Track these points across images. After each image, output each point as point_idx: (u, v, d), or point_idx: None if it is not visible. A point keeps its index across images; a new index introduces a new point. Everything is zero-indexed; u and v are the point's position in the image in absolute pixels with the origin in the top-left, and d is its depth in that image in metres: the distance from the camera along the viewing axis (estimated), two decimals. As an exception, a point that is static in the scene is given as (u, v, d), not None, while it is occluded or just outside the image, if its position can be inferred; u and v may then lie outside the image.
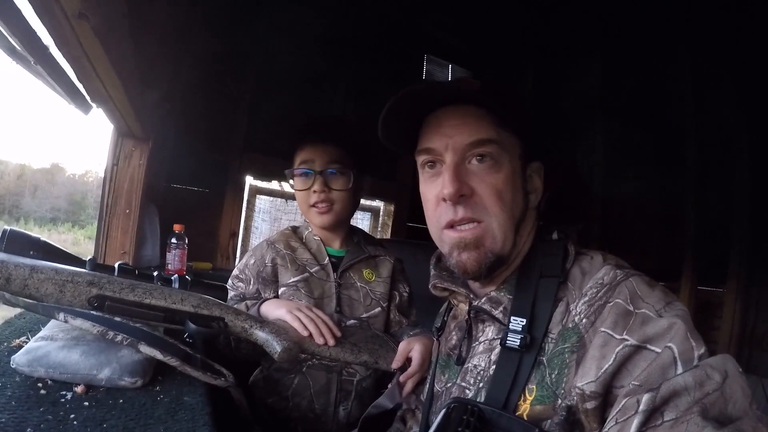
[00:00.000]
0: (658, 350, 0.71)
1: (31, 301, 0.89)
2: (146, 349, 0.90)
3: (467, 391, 0.95)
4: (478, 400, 0.90)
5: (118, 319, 0.97)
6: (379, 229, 3.73)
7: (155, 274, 1.08)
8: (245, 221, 3.23)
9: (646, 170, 3.20)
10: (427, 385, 1.13)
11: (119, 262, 1.06)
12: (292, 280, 1.47)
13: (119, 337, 0.89)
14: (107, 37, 1.08)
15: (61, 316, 0.88)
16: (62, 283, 0.92)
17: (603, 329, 0.77)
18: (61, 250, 1.01)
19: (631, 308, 0.77)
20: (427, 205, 1.01)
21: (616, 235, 3.31)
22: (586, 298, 0.83)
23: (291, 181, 1.54)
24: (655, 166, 3.16)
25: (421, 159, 1.00)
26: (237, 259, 3.06)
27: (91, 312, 0.95)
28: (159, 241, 2.49)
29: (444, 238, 0.98)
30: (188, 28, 2.75)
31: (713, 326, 2.89)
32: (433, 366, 1.13)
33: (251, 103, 3.16)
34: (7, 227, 0.95)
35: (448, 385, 1.02)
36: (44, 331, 0.96)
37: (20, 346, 0.96)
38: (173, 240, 2.29)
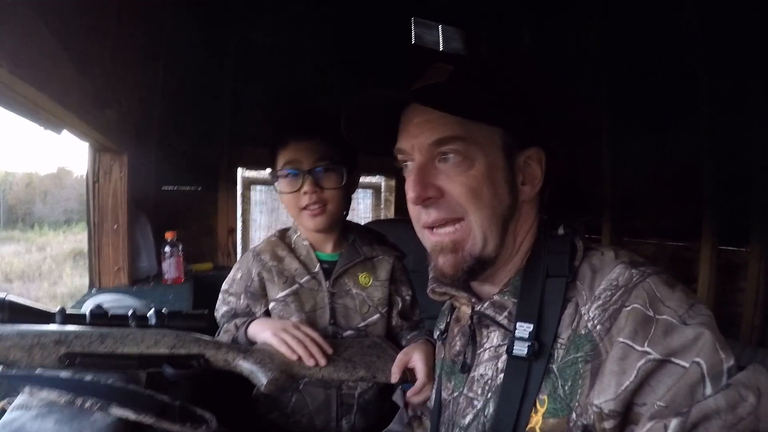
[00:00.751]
0: (685, 365, 0.65)
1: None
2: (117, 411, 0.87)
3: (475, 402, 0.91)
4: (486, 411, 0.87)
5: (88, 378, 0.95)
6: (382, 206, 3.67)
7: (130, 313, 1.04)
8: (242, 215, 3.23)
9: (657, 125, 2.99)
10: (434, 394, 1.10)
11: (90, 308, 1.03)
12: (281, 294, 1.41)
13: (88, 403, 0.86)
14: (36, 77, 1.04)
15: (27, 389, 0.86)
16: (29, 348, 0.89)
17: (621, 339, 0.71)
18: (28, 307, 0.98)
19: (651, 314, 0.71)
20: (408, 204, 0.96)
21: (629, 196, 3.16)
22: (600, 302, 0.77)
23: (276, 184, 1.42)
24: (667, 119, 2.95)
25: (399, 158, 0.95)
26: (238, 256, 3.04)
27: (59, 375, 0.93)
28: (154, 250, 2.48)
29: (425, 239, 0.94)
30: (157, 29, 2.71)
31: (737, 288, 2.72)
32: (437, 372, 1.10)
33: (233, 94, 3.11)
34: (-30, 295, 0.93)
35: (455, 394, 0.98)
36: (19, 398, 0.93)
37: (3, 410, 0.93)
38: (166, 248, 2.30)
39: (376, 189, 3.68)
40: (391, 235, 1.59)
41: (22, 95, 1.08)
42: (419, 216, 0.91)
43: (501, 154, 0.88)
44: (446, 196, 0.87)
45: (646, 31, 3.03)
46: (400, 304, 1.49)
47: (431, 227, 0.90)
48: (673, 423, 0.60)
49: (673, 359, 0.66)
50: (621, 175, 3.19)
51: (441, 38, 3.96)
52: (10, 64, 0.89)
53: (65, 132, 1.51)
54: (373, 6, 3.50)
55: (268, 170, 1.46)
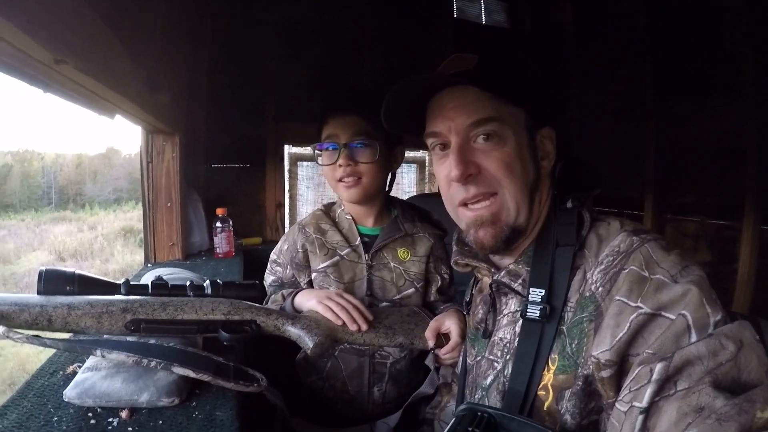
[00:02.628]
0: (672, 317, 0.71)
1: (67, 343, 0.97)
2: (179, 370, 0.96)
3: (495, 364, 0.98)
4: (506, 372, 0.94)
5: (152, 341, 1.04)
6: (426, 180, 3.69)
7: (188, 284, 1.13)
8: (290, 190, 3.28)
9: (702, 101, 2.88)
10: (460, 359, 1.17)
11: (152, 279, 1.12)
12: (322, 266, 1.47)
13: (153, 363, 0.95)
14: (96, 69, 1.12)
15: (98, 352, 0.95)
16: (98, 315, 0.99)
17: (618, 297, 0.78)
18: (96, 279, 1.06)
19: (646, 274, 0.77)
20: (441, 184, 1.03)
21: (672, 173, 3.09)
22: (602, 266, 0.84)
23: (319, 158, 1.49)
24: (712, 96, 2.84)
25: (429, 142, 1.02)
26: (286, 230, 3.12)
27: (126, 339, 1.03)
28: (206, 226, 2.58)
29: (460, 216, 1.00)
30: (202, 12, 2.79)
31: (780, 268, 2.65)
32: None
33: (277, 72, 3.15)
34: (43, 268, 1.01)
35: (478, 358, 1.05)
36: (89, 361, 1.03)
37: (74, 373, 1.04)
38: (218, 224, 2.38)
39: (420, 164, 3.70)
40: (434, 209, 1.61)
41: (83, 86, 1.16)
42: (455, 194, 0.98)
43: (525, 133, 0.96)
44: (483, 172, 0.94)
45: (691, 5, 2.92)
46: (440, 282, 1.54)
47: (466, 204, 0.97)
48: (658, 367, 0.66)
49: (663, 312, 0.72)
50: (665, 152, 3.12)
51: (483, 11, 3.91)
52: (74, 59, 0.97)
53: (118, 116, 1.59)
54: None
55: (312, 145, 1.52)
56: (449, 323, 1.27)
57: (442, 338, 1.27)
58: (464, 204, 0.97)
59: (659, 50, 3.13)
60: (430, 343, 1.26)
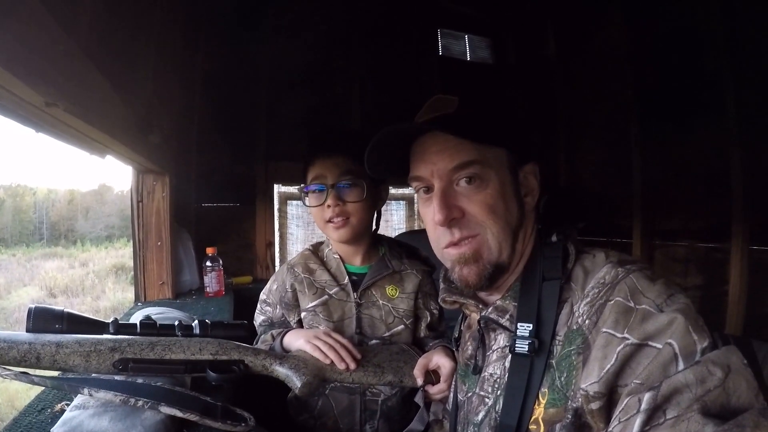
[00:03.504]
0: (659, 346, 0.71)
1: (55, 381, 0.97)
2: (166, 409, 0.96)
3: (486, 400, 0.98)
4: (497, 407, 0.94)
5: (140, 380, 1.05)
6: (416, 217, 3.72)
7: (176, 323, 1.14)
8: (279, 229, 3.30)
9: (684, 125, 2.94)
10: (451, 396, 1.18)
11: (140, 318, 1.12)
12: (311, 305, 1.48)
13: (140, 402, 0.95)
14: (86, 112, 1.14)
15: (86, 390, 0.95)
16: (87, 354, 0.99)
17: (605, 329, 0.78)
18: (84, 317, 1.07)
19: (632, 304, 0.78)
20: (427, 227, 1.06)
21: (658, 198, 3.13)
22: (588, 299, 0.85)
23: (306, 199, 1.50)
24: (694, 119, 2.89)
25: (414, 185, 1.04)
26: (276, 269, 3.13)
27: (114, 378, 1.03)
28: (196, 265, 2.59)
29: (445, 256, 1.02)
30: (193, 54, 2.85)
31: (771, 288, 2.66)
32: (454, 376, 1.18)
33: (267, 111, 3.21)
34: (32, 305, 1.02)
35: (469, 394, 1.05)
36: (77, 400, 1.03)
37: (62, 411, 1.04)
38: (207, 263, 2.39)
39: (409, 201, 3.73)
40: (424, 245, 1.58)
41: (73, 128, 1.19)
42: (441, 238, 1.00)
43: (507, 172, 0.98)
44: (467, 215, 0.96)
45: (671, 31, 3.01)
46: (429, 318, 1.55)
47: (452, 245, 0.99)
48: (646, 396, 0.66)
49: (650, 342, 0.73)
50: (650, 177, 3.16)
51: (468, 48, 4.01)
52: (64, 102, 0.99)
53: (109, 156, 1.61)
54: (399, 22, 3.63)
55: (299, 187, 1.54)
56: (437, 359, 1.27)
57: (431, 375, 1.27)
58: (450, 245, 0.99)
59: (641, 78, 3.21)
60: (419, 381, 1.26)
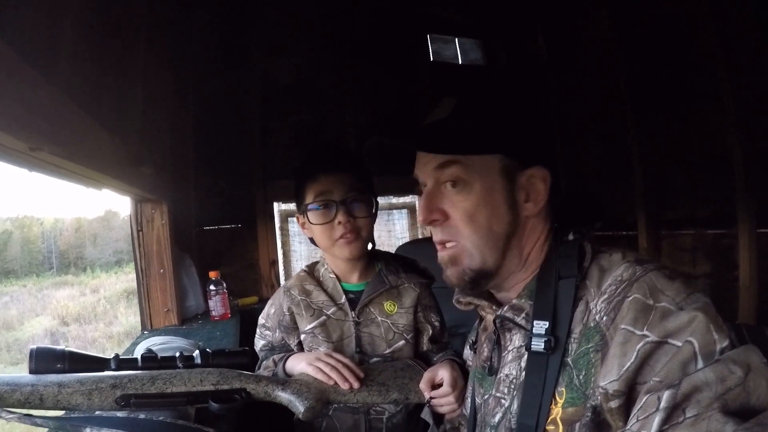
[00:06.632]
0: (679, 344, 0.70)
1: (58, 421, 0.98)
2: (168, 446, 0.97)
3: (503, 401, 0.98)
4: (513, 408, 0.94)
5: (142, 415, 1.05)
6: (419, 226, 3.72)
7: (177, 355, 1.15)
8: (282, 247, 3.32)
9: (681, 113, 2.92)
10: (468, 400, 1.17)
11: (142, 353, 1.13)
12: (309, 326, 1.47)
13: (143, 440, 0.96)
14: (73, 153, 1.16)
15: (88, 430, 0.96)
16: (89, 392, 1.00)
17: (623, 326, 0.77)
18: (85, 355, 1.08)
19: (651, 302, 0.77)
20: None
21: (661, 188, 3.11)
22: (605, 296, 0.84)
23: (303, 219, 1.47)
24: (690, 106, 2.87)
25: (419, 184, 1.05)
26: (282, 285, 3.14)
27: (117, 415, 1.04)
28: (200, 289, 2.59)
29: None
30: (184, 80, 2.87)
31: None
32: (471, 379, 1.17)
33: (261, 131, 3.23)
34: (33, 347, 1.03)
35: (486, 397, 1.05)
36: (81, 437, 1.05)
37: (67, 451, 1.05)
38: (211, 287, 2.40)
39: (410, 209, 3.73)
40: (426, 254, 1.51)
41: (62, 167, 1.20)
42: (434, 235, 1.02)
43: (499, 177, 0.96)
44: (450, 219, 0.97)
45: (659, 19, 3.00)
46: (431, 331, 1.53)
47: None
48: (666, 395, 0.65)
49: (669, 340, 0.72)
50: (651, 168, 3.15)
51: (459, 52, 3.98)
52: (49, 146, 1.01)
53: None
54: (388, 36, 3.63)
55: (303, 206, 1.50)
56: (442, 373, 1.26)
57: (438, 389, 1.26)
58: (437, 244, 1.01)
59: (632, 67, 3.20)
60: (426, 395, 1.26)
